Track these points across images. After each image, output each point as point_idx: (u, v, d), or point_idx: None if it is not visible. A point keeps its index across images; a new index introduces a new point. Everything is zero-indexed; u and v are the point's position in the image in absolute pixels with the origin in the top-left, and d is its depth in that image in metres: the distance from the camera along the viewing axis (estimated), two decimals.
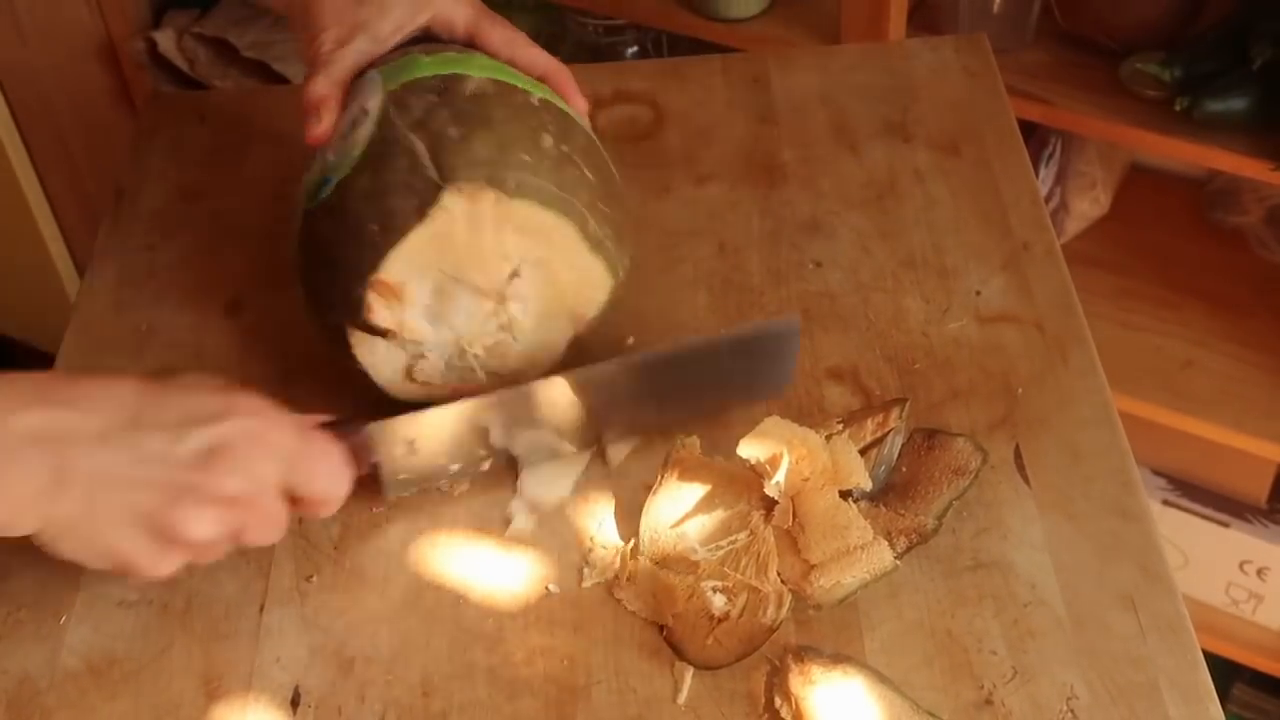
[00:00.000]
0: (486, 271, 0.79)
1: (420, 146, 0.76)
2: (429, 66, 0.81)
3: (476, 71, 0.81)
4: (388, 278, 0.77)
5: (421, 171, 0.76)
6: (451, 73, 0.80)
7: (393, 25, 0.86)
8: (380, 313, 0.78)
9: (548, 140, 0.79)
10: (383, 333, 0.79)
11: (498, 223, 0.77)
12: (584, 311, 0.83)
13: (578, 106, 0.87)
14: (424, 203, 0.75)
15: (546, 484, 0.83)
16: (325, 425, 0.76)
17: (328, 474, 0.75)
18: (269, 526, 0.73)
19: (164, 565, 0.71)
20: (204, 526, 0.70)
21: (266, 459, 0.72)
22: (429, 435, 0.80)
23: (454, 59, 0.82)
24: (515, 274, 0.80)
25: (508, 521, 0.82)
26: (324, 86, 0.83)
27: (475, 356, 0.82)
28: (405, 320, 0.79)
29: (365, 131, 0.79)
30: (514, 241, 0.78)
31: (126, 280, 0.99)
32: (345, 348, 0.81)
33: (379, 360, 0.82)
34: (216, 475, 0.69)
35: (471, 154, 0.76)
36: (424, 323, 0.80)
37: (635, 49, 1.68)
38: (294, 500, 0.74)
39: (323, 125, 0.82)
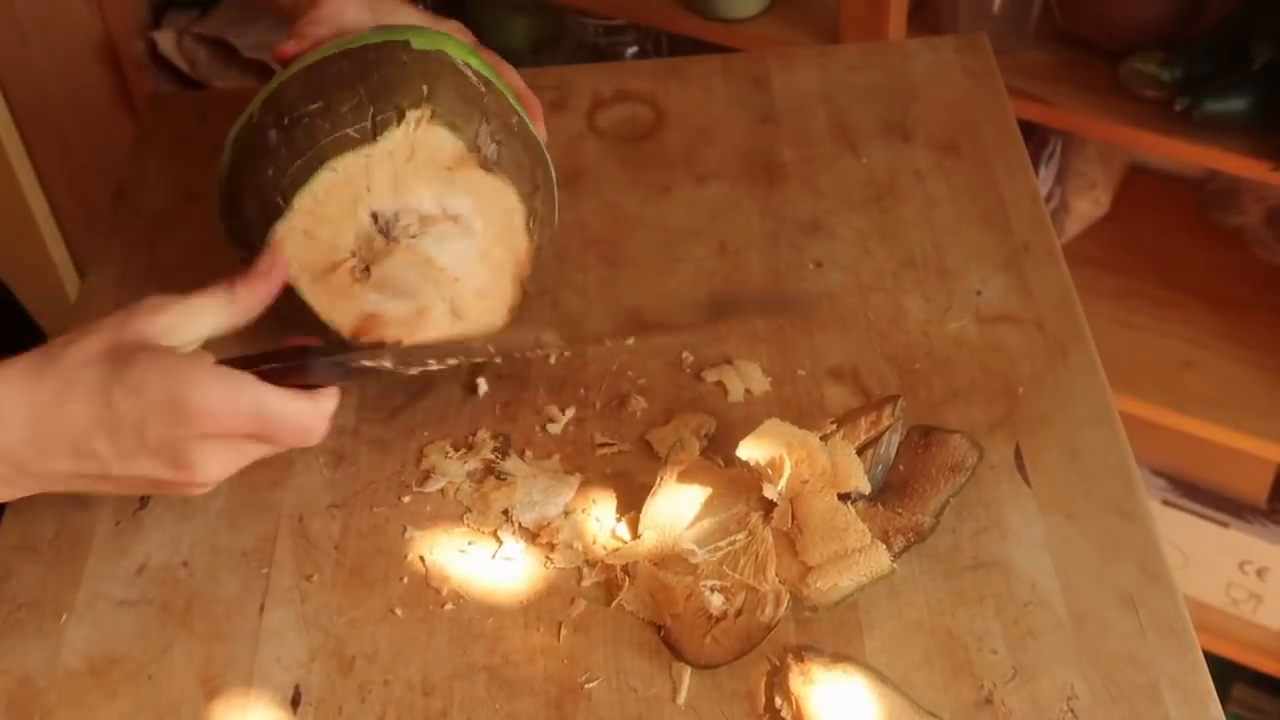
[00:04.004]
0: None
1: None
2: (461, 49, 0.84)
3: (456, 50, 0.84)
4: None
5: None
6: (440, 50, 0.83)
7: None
8: None
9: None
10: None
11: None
12: (516, 246, 0.84)
13: (540, 127, 0.89)
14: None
15: (538, 507, 0.82)
16: (281, 363, 0.75)
17: (295, 436, 0.73)
18: (284, 447, 0.74)
19: (208, 486, 0.73)
20: (216, 469, 0.71)
21: (230, 453, 0.72)
22: None
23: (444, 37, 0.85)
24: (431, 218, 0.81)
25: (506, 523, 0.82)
26: (292, 48, 0.86)
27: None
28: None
29: None
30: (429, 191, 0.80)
31: (126, 280, 0.99)
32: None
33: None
34: (189, 475, 0.71)
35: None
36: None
37: (635, 49, 1.68)
38: None
39: (298, 49, 0.86)
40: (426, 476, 0.85)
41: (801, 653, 0.74)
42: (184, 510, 0.84)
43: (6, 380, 0.70)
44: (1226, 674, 1.77)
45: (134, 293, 0.97)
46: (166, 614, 0.79)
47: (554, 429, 0.87)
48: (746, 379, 0.89)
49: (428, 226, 0.81)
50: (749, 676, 0.74)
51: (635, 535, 0.79)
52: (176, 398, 0.69)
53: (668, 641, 0.75)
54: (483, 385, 0.89)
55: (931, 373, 0.89)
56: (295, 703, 0.75)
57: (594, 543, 0.80)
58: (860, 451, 0.79)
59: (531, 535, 0.81)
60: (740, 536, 0.77)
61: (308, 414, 0.73)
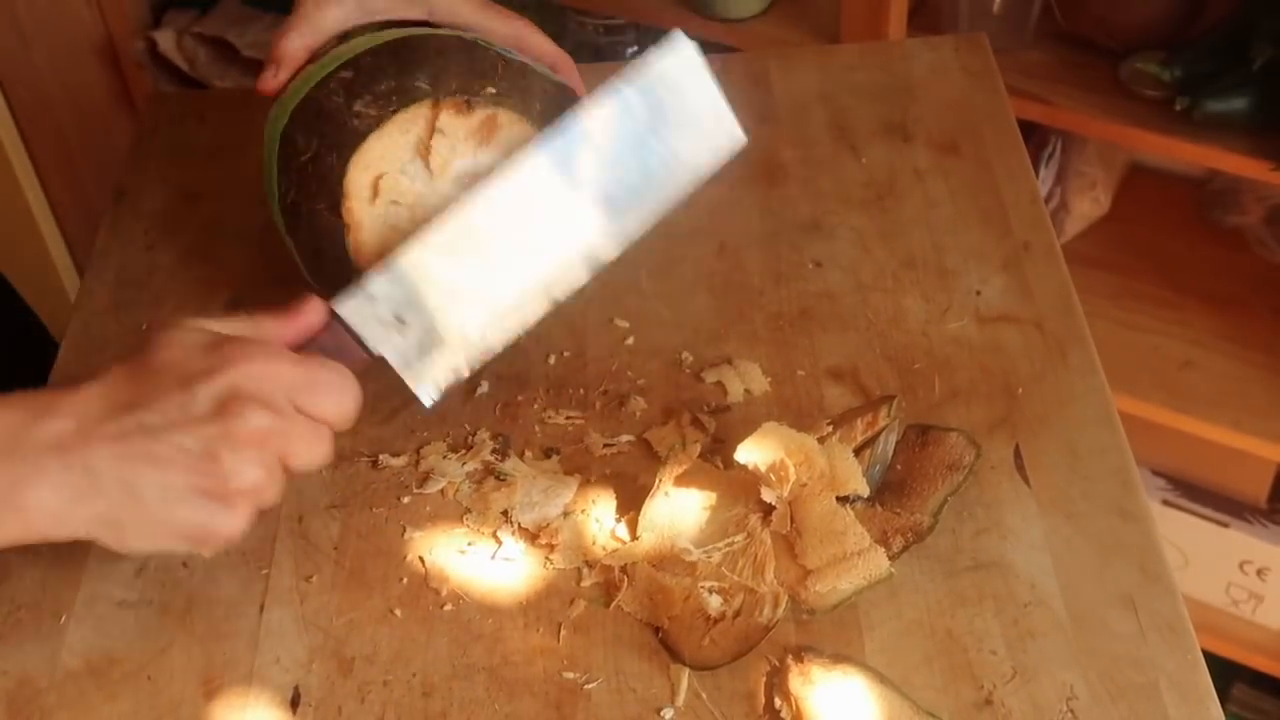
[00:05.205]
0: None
1: None
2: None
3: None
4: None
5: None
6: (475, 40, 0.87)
7: (386, 2, 0.88)
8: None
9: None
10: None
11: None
12: None
13: (579, 94, 0.91)
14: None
15: (537, 508, 0.82)
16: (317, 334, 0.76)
17: (334, 391, 0.72)
18: (312, 446, 0.71)
19: (235, 521, 0.70)
20: (250, 470, 0.68)
21: (276, 390, 0.69)
22: (401, 291, 0.77)
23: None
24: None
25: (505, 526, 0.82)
26: (295, 44, 0.86)
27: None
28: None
29: None
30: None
31: (126, 280, 0.99)
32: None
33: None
34: (238, 418, 0.67)
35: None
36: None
37: (635, 49, 1.68)
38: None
39: (278, 80, 0.86)
40: (426, 477, 0.85)
41: (801, 653, 0.74)
42: None
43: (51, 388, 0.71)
44: (1226, 674, 1.77)
45: (134, 293, 0.98)
46: (166, 614, 0.79)
47: (553, 429, 0.87)
48: (746, 379, 0.89)
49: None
50: (749, 677, 0.74)
51: (634, 536, 0.79)
52: (218, 338, 0.70)
53: (665, 643, 0.75)
54: (483, 386, 0.89)
55: (931, 373, 0.89)
56: (295, 703, 0.75)
57: (593, 543, 0.80)
58: (857, 452, 0.79)
59: (531, 536, 0.81)
60: (739, 538, 0.77)
61: (343, 373, 0.72)
